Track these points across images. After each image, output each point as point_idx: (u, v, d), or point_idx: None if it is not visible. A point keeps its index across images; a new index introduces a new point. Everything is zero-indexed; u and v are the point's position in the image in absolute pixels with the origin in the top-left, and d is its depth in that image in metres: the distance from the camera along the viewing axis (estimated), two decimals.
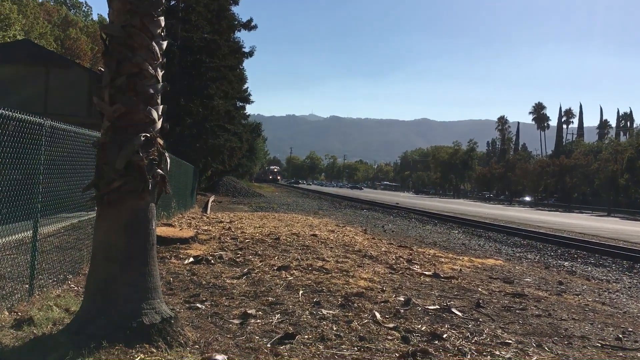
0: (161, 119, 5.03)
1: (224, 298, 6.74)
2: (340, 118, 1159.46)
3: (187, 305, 6.28)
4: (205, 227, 14.99)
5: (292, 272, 8.67)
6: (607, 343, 6.08)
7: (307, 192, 71.84)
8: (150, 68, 4.86)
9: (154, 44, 4.89)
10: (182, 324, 4.96)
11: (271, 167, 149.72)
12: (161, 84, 5.03)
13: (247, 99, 48.01)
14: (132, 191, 4.66)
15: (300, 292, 7.28)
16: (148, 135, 4.75)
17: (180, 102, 28.98)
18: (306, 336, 5.30)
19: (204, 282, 7.60)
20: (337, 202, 44.94)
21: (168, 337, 4.56)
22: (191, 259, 9.33)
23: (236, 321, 5.68)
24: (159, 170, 4.89)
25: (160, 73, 5.03)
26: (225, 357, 4.45)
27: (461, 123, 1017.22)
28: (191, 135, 30.38)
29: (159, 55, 4.99)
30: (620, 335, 6.47)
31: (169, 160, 5.14)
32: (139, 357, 4.18)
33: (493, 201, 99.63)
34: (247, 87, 49.96)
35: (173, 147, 24.23)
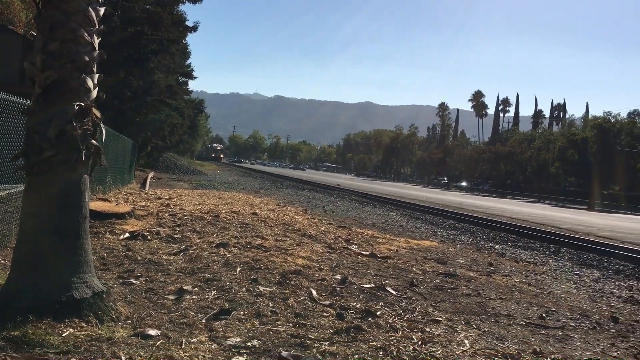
0: (97, 88, 4.85)
1: (160, 274, 6.65)
2: (284, 98, 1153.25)
3: (121, 280, 6.16)
4: (143, 203, 14.69)
5: (230, 250, 8.64)
6: (531, 321, 6.38)
7: (249, 171, 71.40)
8: (86, 34, 4.67)
9: (90, 9, 4.70)
10: (114, 299, 4.87)
11: (214, 145, 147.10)
12: (97, 51, 4.85)
13: (190, 75, 47.04)
14: (64, 162, 4.49)
15: (238, 269, 7.27)
16: (82, 104, 4.58)
17: (120, 74, 28.06)
18: (242, 312, 5.31)
19: (139, 258, 7.47)
20: (279, 182, 44.90)
21: (99, 311, 4.46)
22: (127, 235, 9.13)
23: (171, 297, 5.63)
24: (93, 141, 4.73)
25: (96, 40, 4.84)
26: (159, 332, 4.41)
27: (404, 108, 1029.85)
28: (130, 108, 29.52)
29: (96, 21, 4.80)
30: (544, 315, 6.80)
31: (104, 131, 4.98)
32: (67, 332, 4.08)
33: (432, 185, 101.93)
34: (191, 63, 49.01)
35: (111, 120, 23.50)
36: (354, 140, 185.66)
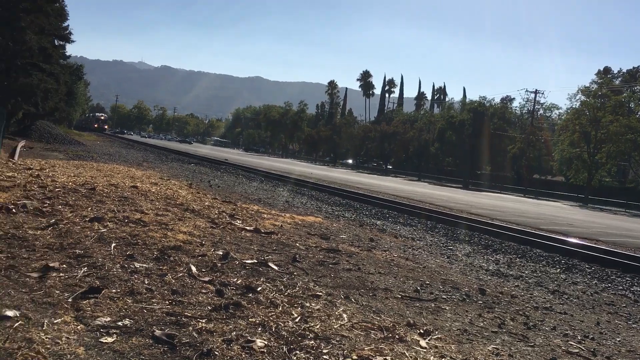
0: None
1: (24, 250, 6.12)
2: (172, 69, 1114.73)
3: None
4: (10, 174, 13.54)
5: (106, 224, 8.16)
6: (407, 294, 6.62)
7: (132, 143, 68.49)
8: None
9: None
10: None
11: (97, 114, 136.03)
12: None
13: (67, 38, 43.77)
14: None
15: (113, 244, 6.88)
16: None
17: None
18: (114, 290, 5.02)
19: (0, 233, 6.84)
20: (164, 155, 43.48)
21: None
22: None
23: (35, 275, 5.19)
24: None
25: None
26: (18, 312, 4.04)
27: (294, 84, 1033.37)
28: None
29: None
30: (419, 288, 7.09)
31: None
32: None
33: (319, 162, 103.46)
34: (68, 25, 45.59)
35: None
36: (243, 115, 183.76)
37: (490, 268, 10.15)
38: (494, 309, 6.56)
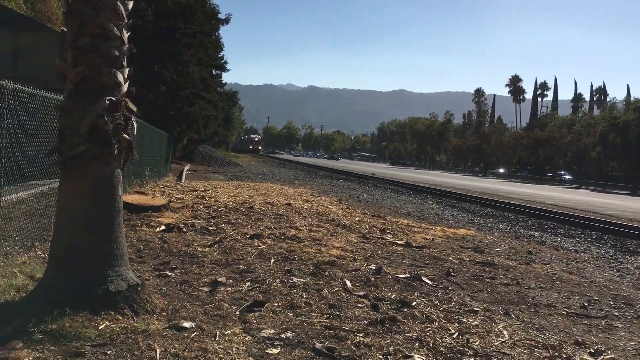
0: (127, 83, 4.87)
1: (195, 266, 6.69)
2: (317, 88, 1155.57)
3: (157, 272, 6.21)
4: (179, 196, 14.84)
5: (264, 241, 8.64)
6: (573, 311, 6.20)
7: (283, 162, 71.71)
8: (115, 29, 4.68)
9: (119, 3, 4.71)
10: (149, 291, 4.90)
11: (251, 136, 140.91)
12: (127, 45, 4.86)
13: (223, 67, 47.21)
14: (96, 156, 4.52)
15: (272, 260, 7.27)
16: (113, 98, 4.60)
17: (154, 68, 28.37)
18: (276, 304, 5.29)
19: (174, 250, 7.53)
20: (313, 172, 44.95)
21: (134, 304, 4.50)
22: (162, 227, 9.22)
23: (206, 289, 5.65)
24: (125, 135, 4.75)
25: (126, 35, 4.85)
26: (193, 324, 4.42)
27: (438, 95, 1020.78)
28: (165, 102, 29.86)
29: (125, 16, 4.81)
30: (586, 304, 6.60)
31: (135, 125, 5.00)
32: (104, 324, 4.13)
33: (468, 173, 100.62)
34: (224, 55, 49.11)
35: (147, 114, 23.76)
36: (388, 129, 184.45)
37: None
38: None
